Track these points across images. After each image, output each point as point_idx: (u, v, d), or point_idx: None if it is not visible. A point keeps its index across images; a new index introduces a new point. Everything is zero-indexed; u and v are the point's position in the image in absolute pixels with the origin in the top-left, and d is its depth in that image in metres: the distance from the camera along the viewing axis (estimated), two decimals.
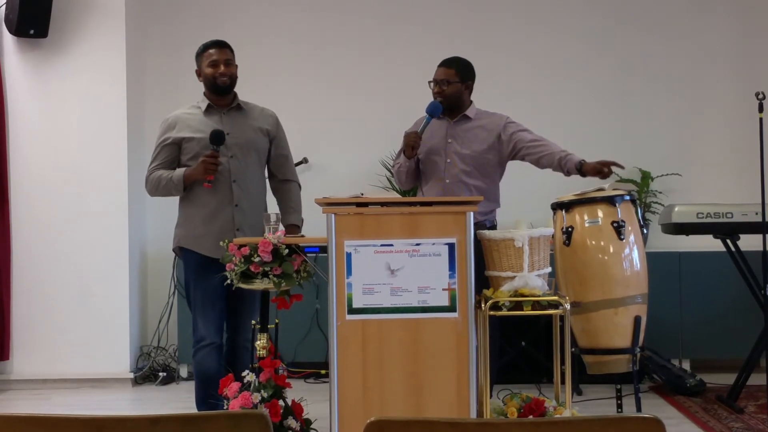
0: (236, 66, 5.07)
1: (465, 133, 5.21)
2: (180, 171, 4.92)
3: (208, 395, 4.88)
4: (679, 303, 6.62)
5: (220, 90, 5.01)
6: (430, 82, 5.27)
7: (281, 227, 4.66)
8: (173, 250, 5.15)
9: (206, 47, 5.05)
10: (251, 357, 5.02)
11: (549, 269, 4.61)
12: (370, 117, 7.28)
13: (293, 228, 5.02)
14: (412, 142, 5.10)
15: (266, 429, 2.04)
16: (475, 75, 5.36)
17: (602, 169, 4.98)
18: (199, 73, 5.07)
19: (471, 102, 5.34)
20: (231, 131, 4.97)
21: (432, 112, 5.11)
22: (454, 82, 5.22)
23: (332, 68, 7.41)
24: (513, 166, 7.20)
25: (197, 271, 4.96)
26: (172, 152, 5.00)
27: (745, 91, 6.29)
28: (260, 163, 5.10)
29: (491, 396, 4.62)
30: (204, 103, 5.04)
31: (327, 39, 7.43)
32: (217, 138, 4.86)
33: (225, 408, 4.48)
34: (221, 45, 5.05)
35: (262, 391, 4.50)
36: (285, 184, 5.20)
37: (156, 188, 5.01)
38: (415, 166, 5.24)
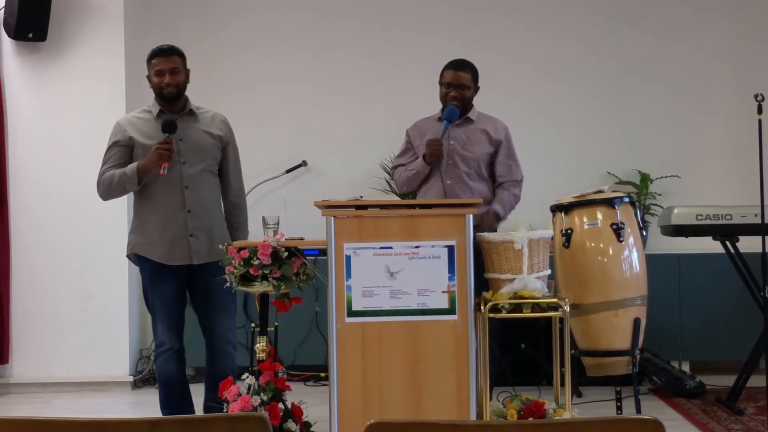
0: (186, 72, 4.97)
1: (467, 136, 5.22)
2: (133, 164, 4.83)
3: (170, 400, 4.90)
4: (678, 305, 6.62)
5: (167, 99, 4.93)
6: (442, 84, 5.25)
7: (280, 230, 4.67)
8: (128, 257, 5.06)
9: (153, 55, 4.94)
10: (234, 361, 5.01)
11: (548, 271, 4.61)
12: (369, 120, 7.29)
13: None
14: (437, 151, 5.10)
15: None
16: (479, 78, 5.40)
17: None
18: (149, 79, 4.97)
19: (473, 104, 5.36)
20: (183, 137, 4.89)
21: (450, 117, 5.12)
22: (472, 88, 5.26)
23: (331, 72, 7.41)
24: None
25: (152, 278, 4.91)
26: (123, 154, 4.91)
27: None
28: (213, 169, 5.02)
29: (491, 398, 4.62)
30: (155, 108, 4.97)
31: (325, 43, 7.43)
32: (170, 126, 4.78)
33: (225, 411, 4.48)
34: (167, 53, 4.93)
35: (262, 393, 4.50)
36: (232, 198, 5.13)
37: (109, 187, 4.91)
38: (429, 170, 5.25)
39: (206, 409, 4.91)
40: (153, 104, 5.00)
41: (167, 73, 4.88)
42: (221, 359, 4.96)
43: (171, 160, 4.76)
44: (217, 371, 4.92)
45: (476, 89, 5.31)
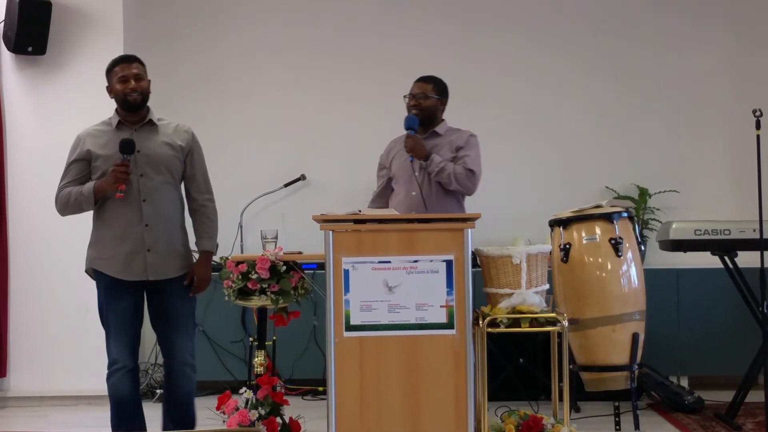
0: (148, 81, 4.84)
1: (432, 149, 5.22)
2: (90, 184, 4.71)
3: (121, 420, 4.74)
4: (677, 320, 6.61)
5: (132, 107, 4.76)
6: (405, 96, 5.35)
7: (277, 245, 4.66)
8: (86, 272, 4.93)
9: (115, 63, 4.81)
10: (192, 382, 4.85)
11: (547, 286, 4.61)
12: (368, 133, 7.28)
13: (206, 254, 4.84)
14: (412, 143, 5.13)
15: None
16: (448, 94, 5.42)
17: None
18: (110, 90, 4.84)
19: (443, 120, 5.40)
20: (141, 148, 4.71)
21: (410, 125, 5.16)
22: (432, 97, 5.31)
23: (330, 84, 7.43)
24: (510, 184, 7.27)
25: (107, 293, 4.77)
26: (82, 169, 4.80)
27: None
28: (173, 181, 4.82)
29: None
30: (115, 119, 4.83)
31: (325, 55, 7.44)
32: (127, 147, 4.61)
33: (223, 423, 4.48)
34: (129, 60, 4.82)
35: (260, 408, 4.49)
36: (198, 208, 4.92)
37: (66, 205, 4.81)
38: (386, 183, 5.42)
39: None
40: (113, 116, 4.85)
41: (131, 78, 4.74)
42: (178, 380, 4.81)
43: (127, 182, 4.64)
44: (176, 392, 4.82)
45: (442, 102, 5.37)
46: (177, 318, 4.78)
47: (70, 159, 4.86)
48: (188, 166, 4.87)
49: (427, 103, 5.30)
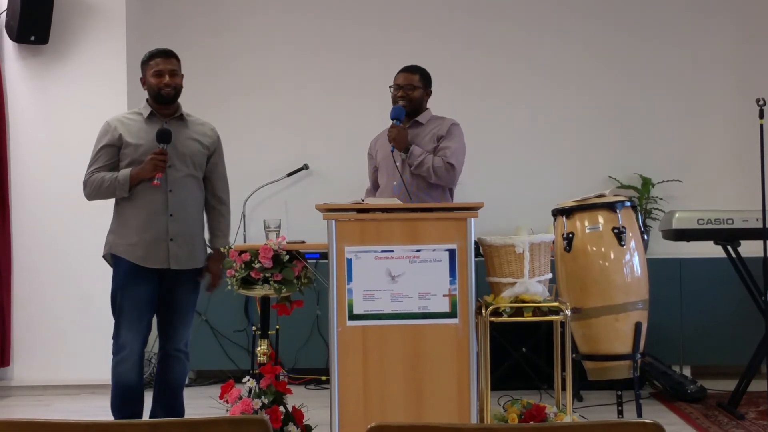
0: (182, 76, 4.94)
1: (414, 138, 5.22)
2: (126, 171, 4.77)
3: (124, 405, 4.79)
4: (679, 309, 6.61)
5: (164, 100, 4.87)
6: (390, 86, 5.34)
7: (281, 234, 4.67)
8: (104, 257, 4.98)
9: (151, 56, 4.90)
10: (186, 368, 4.99)
11: (550, 275, 4.61)
12: (371, 124, 7.26)
13: (218, 254, 4.92)
14: (395, 134, 5.14)
15: None
16: (431, 82, 5.43)
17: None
18: (143, 81, 4.94)
19: (427, 109, 5.40)
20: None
21: (397, 116, 5.17)
22: (419, 87, 5.31)
23: (333, 75, 7.42)
24: (513, 173, 7.27)
25: (126, 279, 4.81)
26: (113, 155, 4.85)
27: (746, 97, 6.30)
28: (198, 175, 4.95)
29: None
30: (146, 110, 4.91)
31: (328, 46, 7.43)
32: (165, 136, 4.75)
33: (226, 413, 4.48)
34: (167, 54, 4.90)
35: (263, 397, 4.50)
36: (216, 205, 5.04)
37: (98, 190, 4.84)
38: (374, 171, 5.49)
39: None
40: (144, 106, 4.94)
41: (167, 74, 4.84)
42: (173, 365, 4.91)
43: (164, 171, 4.74)
44: (169, 377, 4.91)
45: (427, 92, 5.38)
46: (183, 309, 4.90)
47: (99, 144, 4.90)
48: (211, 164, 5.00)
49: (415, 94, 5.30)
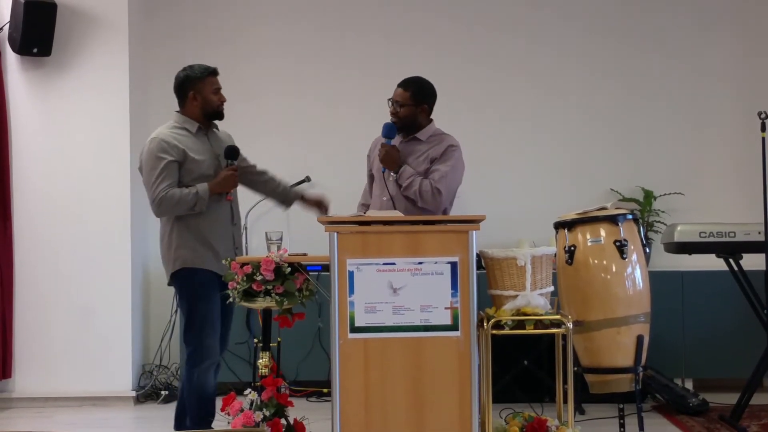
0: None
1: (410, 155, 5.19)
2: (203, 185, 4.89)
3: (208, 413, 4.92)
4: (681, 322, 6.61)
5: (220, 117, 5.11)
6: (389, 100, 5.30)
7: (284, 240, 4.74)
8: (173, 274, 4.98)
9: (210, 73, 5.04)
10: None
11: (551, 288, 4.62)
12: (374, 136, 7.27)
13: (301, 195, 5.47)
14: (384, 155, 5.16)
15: None
16: (434, 96, 5.32)
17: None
18: (194, 96, 5.01)
19: (431, 121, 5.32)
20: (219, 151, 5.07)
21: (387, 134, 5.17)
22: (408, 105, 5.22)
23: (335, 86, 7.42)
24: (515, 186, 7.27)
25: (206, 289, 4.91)
26: (177, 171, 4.92)
27: (748, 110, 6.29)
28: None
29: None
30: (192, 125, 5.02)
31: (328, 57, 7.44)
32: (233, 153, 5.01)
33: (228, 424, 4.48)
34: (218, 73, 5.11)
35: (265, 409, 4.50)
36: (266, 173, 5.39)
37: (175, 206, 4.87)
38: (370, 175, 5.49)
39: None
40: (185, 120, 5.03)
41: (220, 91, 5.08)
42: (217, 371, 5.07)
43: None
44: (214, 383, 5.02)
45: (421, 108, 5.25)
46: (230, 314, 5.18)
47: (163, 161, 4.90)
48: (240, 161, 5.19)
49: (404, 112, 5.22)
